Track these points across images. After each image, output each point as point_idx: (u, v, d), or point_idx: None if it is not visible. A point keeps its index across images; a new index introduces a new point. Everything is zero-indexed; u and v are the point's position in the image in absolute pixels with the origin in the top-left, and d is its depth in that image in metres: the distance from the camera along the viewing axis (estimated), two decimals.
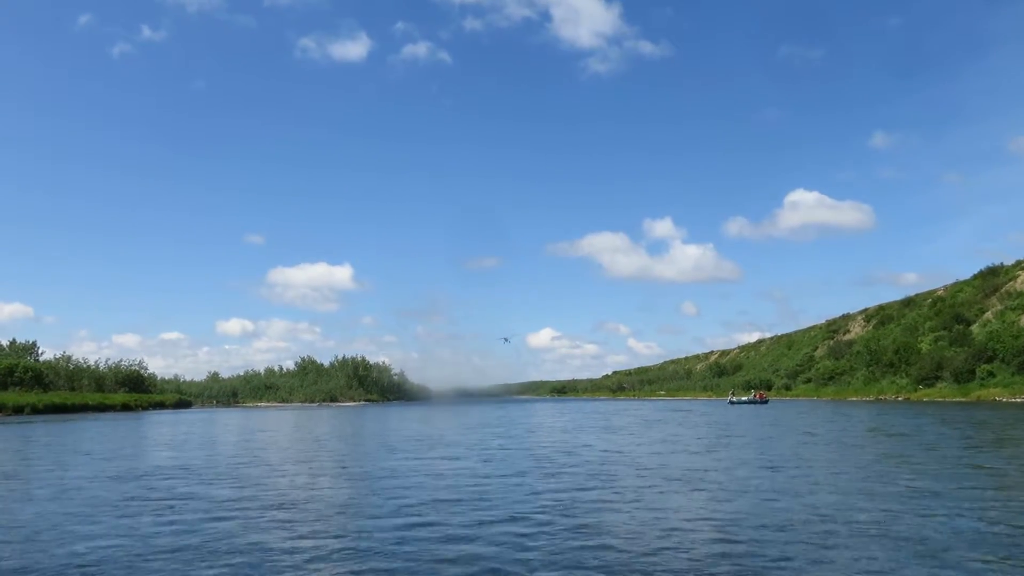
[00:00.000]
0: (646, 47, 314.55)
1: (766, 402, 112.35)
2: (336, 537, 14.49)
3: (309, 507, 18.13)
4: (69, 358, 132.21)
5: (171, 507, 18.15)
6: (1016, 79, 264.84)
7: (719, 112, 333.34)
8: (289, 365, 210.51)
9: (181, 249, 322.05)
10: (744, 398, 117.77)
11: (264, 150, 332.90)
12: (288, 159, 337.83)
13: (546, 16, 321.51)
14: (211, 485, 22.25)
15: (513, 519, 15.95)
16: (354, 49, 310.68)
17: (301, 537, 14.50)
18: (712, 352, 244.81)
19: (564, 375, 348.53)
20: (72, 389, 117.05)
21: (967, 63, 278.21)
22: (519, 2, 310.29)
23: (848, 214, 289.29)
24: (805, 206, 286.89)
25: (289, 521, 16.20)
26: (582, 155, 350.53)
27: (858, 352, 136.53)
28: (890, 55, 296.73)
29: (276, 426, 63.43)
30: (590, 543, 13.60)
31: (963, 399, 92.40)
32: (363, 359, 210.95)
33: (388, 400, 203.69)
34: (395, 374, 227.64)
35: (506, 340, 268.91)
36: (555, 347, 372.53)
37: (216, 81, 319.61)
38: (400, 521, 15.95)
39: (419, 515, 16.59)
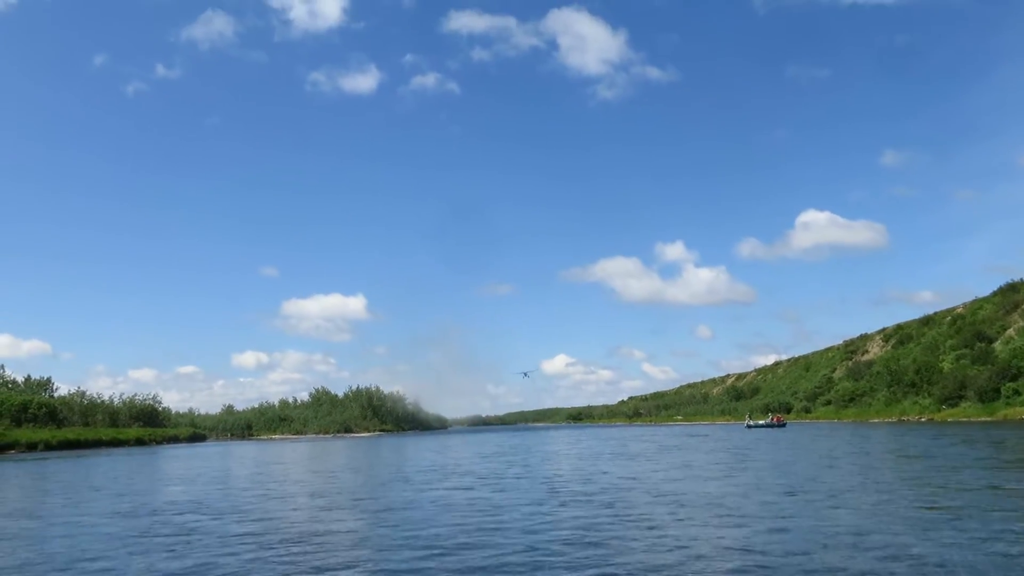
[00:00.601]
0: (653, 72, 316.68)
1: (784, 425, 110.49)
2: (347, 570, 14.01)
3: (320, 541, 17.58)
4: (83, 393, 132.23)
5: (185, 542, 17.70)
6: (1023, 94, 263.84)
7: (728, 134, 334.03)
8: (303, 396, 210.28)
9: (196, 283, 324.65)
10: (761, 422, 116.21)
11: (277, 182, 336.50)
12: (300, 191, 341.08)
13: (553, 45, 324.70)
14: (222, 520, 21.61)
15: (529, 549, 15.44)
16: (364, 81, 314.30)
17: (311, 571, 13.98)
18: (728, 375, 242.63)
19: (579, 401, 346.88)
20: (86, 424, 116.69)
21: (975, 79, 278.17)
22: (526, 31, 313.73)
23: (861, 233, 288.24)
24: (817, 226, 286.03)
25: (301, 554, 15.69)
26: (592, 181, 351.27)
27: (878, 372, 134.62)
28: (897, 73, 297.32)
29: (289, 459, 62.59)
30: (605, 572, 13.15)
31: (989, 418, 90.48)
32: (377, 389, 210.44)
33: (403, 430, 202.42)
34: (409, 403, 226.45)
35: (525, 375, 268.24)
36: (570, 373, 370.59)
37: (229, 116, 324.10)
38: (412, 554, 15.44)
39: (431, 548, 16.08)
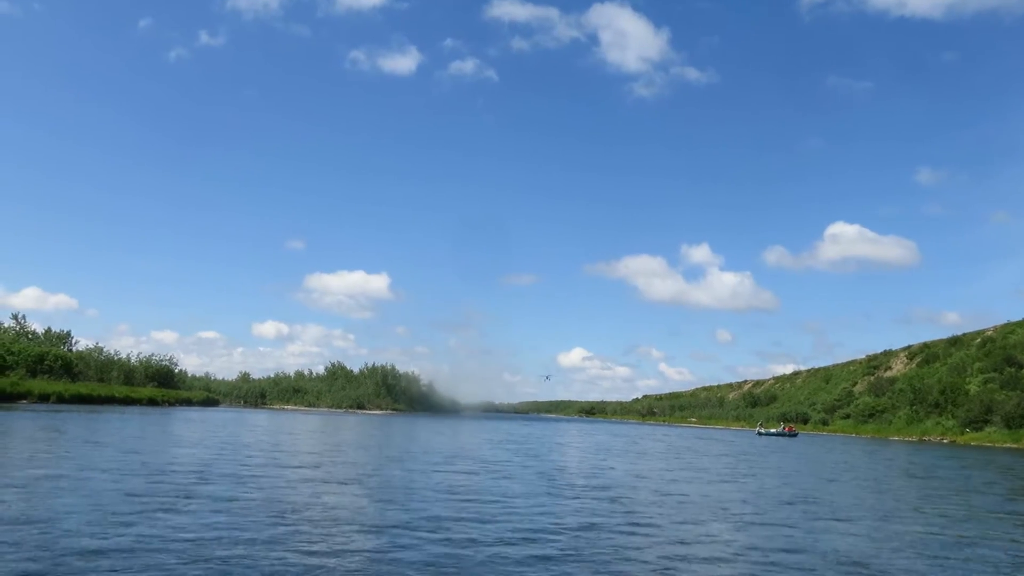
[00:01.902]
0: (692, 74, 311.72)
1: (795, 435, 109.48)
2: (325, 547, 13.61)
3: (308, 514, 17.11)
4: (101, 349, 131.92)
5: (174, 505, 17.21)
6: None
7: (762, 140, 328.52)
8: (319, 370, 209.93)
9: (223, 250, 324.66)
10: (773, 430, 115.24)
11: (310, 157, 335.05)
12: (333, 167, 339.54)
13: (594, 39, 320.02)
14: (218, 484, 20.99)
15: (522, 541, 15.10)
16: (403, 63, 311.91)
17: (289, 544, 13.60)
18: (746, 381, 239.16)
19: (593, 396, 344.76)
20: (101, 380, 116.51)
21: (1018, 101, 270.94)
22: (568, 24, 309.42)
23: (890, 249, 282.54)
24: (846, 239, 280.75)
25: (285, 526, 15.31)
26: (623, 177, 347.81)
27: (901, 390, 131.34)
28: (940, 90, 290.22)
29: (299, 430, 61.41)
30: (586, 568, 13.01)
31: (1015, 445, 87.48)
32: (393, 368, 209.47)
33: (415, 411, 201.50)
34: (424, 385, 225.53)
35: (547, 378, 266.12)
36: (586, 367, 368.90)
37: (267, 88, 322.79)
38: (398, 535, 15.12)
39: (421, 530, 15.76)
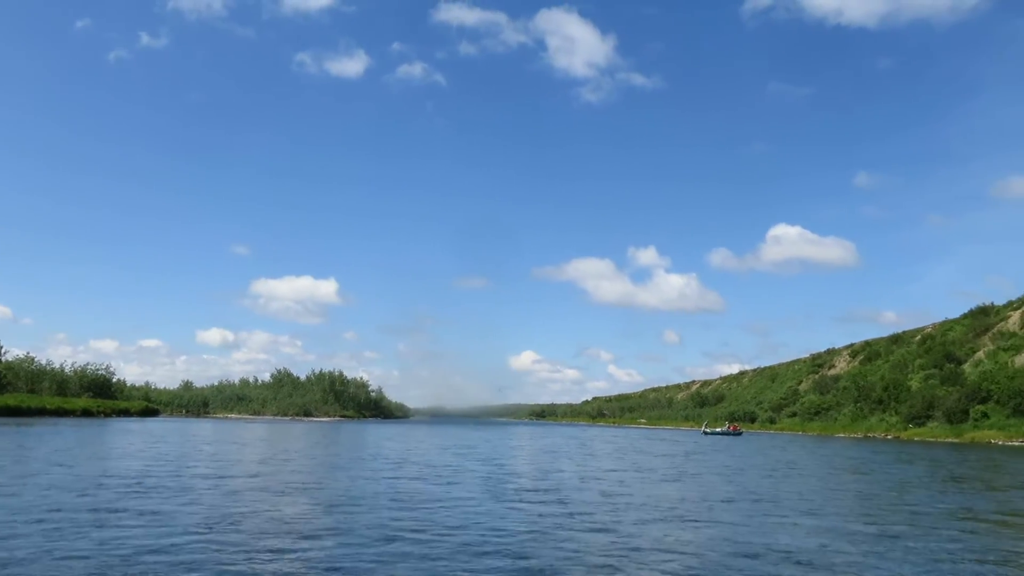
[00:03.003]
0: (638, 79, 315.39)
1: (740, 434, 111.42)
2: (261, 558, 12.59)
3: (245, 524, 16.09)
4: (32, 359, 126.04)
5: (99, 519, 15.97)
6: (999, 124, 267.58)
7: (707, 145, 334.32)
8: (265, 377, 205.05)
9: (165, 256, 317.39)
10: (718, 430, 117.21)
11: (255, 161, 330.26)
12: (279, 171, 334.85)
13: (542, 45, 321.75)
14: (150, 497, 19.56)
15: (467, 545, 14.50)
16: (351, 66, 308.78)
17: (224, 555, 12.51)
18: (694, 382, 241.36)
19: (544, 399, 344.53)
20: (32, 391, 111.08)
21: (953, 107, 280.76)
22: (515, 29, 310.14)
23: (831, 250, 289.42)
24: (788, 240, 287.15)
25: (218, 538, 14.24)
26: (571, 182, 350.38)
27: (845, 388, 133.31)
28: (878, 96, 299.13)
29: (241, 439, 58.64)
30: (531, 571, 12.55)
31: (956, 440, 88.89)
32: (340, 374, 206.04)
33: (364, 417, 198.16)
34: (373, 391, 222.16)
35: (500, 390, 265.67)
36: (536, 370, 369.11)
37: (212, 91, 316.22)
38: (339, 543, 14.40)
39: (363, 537, 15.03)
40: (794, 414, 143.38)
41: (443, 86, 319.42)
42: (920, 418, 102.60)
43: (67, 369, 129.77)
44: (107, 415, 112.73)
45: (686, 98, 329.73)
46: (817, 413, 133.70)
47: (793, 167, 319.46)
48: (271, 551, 13.45)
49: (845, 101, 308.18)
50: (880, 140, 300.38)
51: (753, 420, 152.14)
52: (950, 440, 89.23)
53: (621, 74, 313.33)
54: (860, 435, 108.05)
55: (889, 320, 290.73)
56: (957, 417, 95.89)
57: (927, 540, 16.40)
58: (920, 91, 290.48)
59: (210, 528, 15.47)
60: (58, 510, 17.24)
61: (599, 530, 16.79)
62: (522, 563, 13.06)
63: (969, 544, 16.08)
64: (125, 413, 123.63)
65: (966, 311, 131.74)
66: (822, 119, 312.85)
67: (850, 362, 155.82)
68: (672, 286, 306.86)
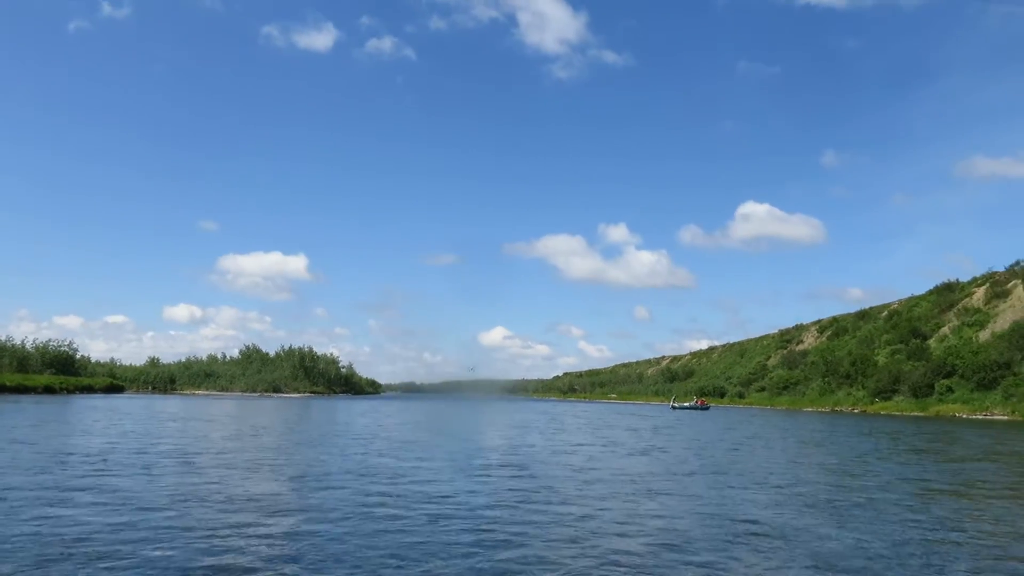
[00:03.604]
0: (609, 56, 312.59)
1: (707, 408, 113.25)
2: (224, 532, 12.13)
3: (209, 501, 15.73)
4: None
5: (58, 498, 15.33)
6: (962, 105, 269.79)
7: (677, 122, 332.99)
8: (234, 354, 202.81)
9: (130, 232, 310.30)
10: (686, 404, 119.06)
11: (222, 136, 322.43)
12: (246, 146, 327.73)
13: (512, 20, 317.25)
14: (114, 475, 18.93)
15: (432, 520, 14.36)
16: (319, 40, 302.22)
17: (188, 533, 11.89)
18: (664, 357, 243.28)
19: (515, 374, 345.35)
20: None
21: (917, 88, 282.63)
22: (486, 4, 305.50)
23: (798, 228, 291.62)
24: (757, 218, 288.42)
25: (177, 517, 13.76)
26: (542, 158, 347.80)
27: (813, 363, 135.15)
28: (844, 76, 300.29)
29: (209, 414, 57.91)
30: (499, 546, 12.44)
31: (921, 413, 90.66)
32: (310, 350, 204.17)
33: (335, 393, 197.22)
34: (343, 367, 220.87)
35: (472, 369, 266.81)
36: (507, 346, 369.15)
37: (177, 63, 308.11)
38: (303, 519, 14.28)
39: (328, 512, 14.98)
40: (763, 389, 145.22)
41: (413, 61, 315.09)
42: (886, 392, 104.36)
43: (28, 345, 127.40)
44: (70, 392, 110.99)
45: (657, 76, 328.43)
46: (785, 388, 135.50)
47: (762, 145, 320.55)
48: (235, 527, 13.34)
49: (813, 81, 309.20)
50: (847, 120, 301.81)
51: (723, 395, 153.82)
52: (915, 414, 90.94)
53: (592, 51, 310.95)
54: (827, 409, 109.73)
55: (855, 297, 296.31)
56: (923, 391, 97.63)
57: (880, 509, 16.76)
58: (886, 71, 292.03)
59: (174, 505, 15.31)
60: (14, 488, 16.79)
61: (565, 503, 16.91)
62: (486, 536, 13.10)
63: (920, 513, 16.45)
64: (89, 390, 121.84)
65: (931, 288, 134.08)
66: (791, 98, 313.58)
67: (818, 337, 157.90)
68: (642, 263, 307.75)
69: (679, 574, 10.85)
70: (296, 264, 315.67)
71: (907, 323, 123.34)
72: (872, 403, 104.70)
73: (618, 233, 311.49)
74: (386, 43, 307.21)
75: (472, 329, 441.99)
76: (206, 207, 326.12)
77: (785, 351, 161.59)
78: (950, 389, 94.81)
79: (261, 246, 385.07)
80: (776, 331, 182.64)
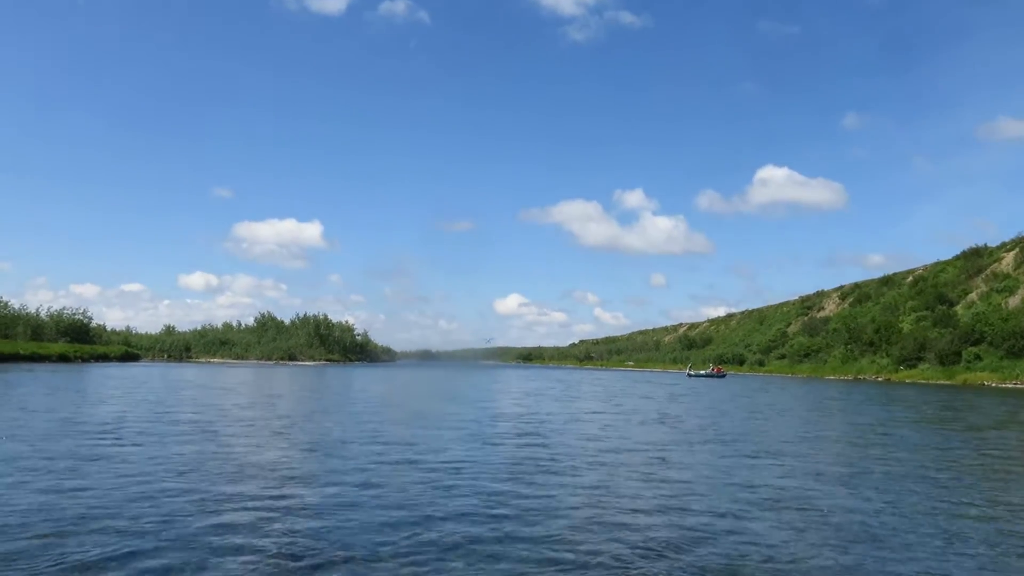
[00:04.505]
0: (626, 17, 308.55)
1: (723, 376, 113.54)
2: (234, 502, 12.01)
3: (220, 471, 15.62)
4: (6, 304, 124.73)
5: (72, 467, 15.31)
6: (987, 66, 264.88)
7: (695, 85, 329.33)
8: (249, 321, 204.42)
9: (146, 199, 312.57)
10: (702, 372, 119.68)
11: (236, 101, 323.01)
12: (261, 111, 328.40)
13: None
14: (123, 445, 18.58)
15: (444, 490, 14.13)
16: (332, 3, 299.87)
17: (201, 502, 11.55)
18: (681, 324, 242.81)
19: (530, 342, 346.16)
20: (5, 337, 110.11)
21: (941, 49, 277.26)
22: None
23: (818, 192, 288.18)
24: (775, 183, 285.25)
25: (194, 487, 13.49)
26: (557, 122, 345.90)
27: (835, 330, 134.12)
28: (866, 36, 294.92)
29: (224, 383, 58.37)
30: (514, 519, 12.16)
31: (948, 382, 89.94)
32: (325, 317, 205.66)
33: (350, 360, 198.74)
34: (358, 334, 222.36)
35: (489, 341, 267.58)
36: (522, 313, 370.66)
37: (190, 27, 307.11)
38: (312, 489, 14.02)
39: (341, 483, 14.75)
40: (783, 356, 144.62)
41: (427, 23, 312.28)
42: (912, 360, 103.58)
43: (43, 314, 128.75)
44: (84, 360, 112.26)
45: (674, 37, 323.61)
46: (807, 355, 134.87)
47: (782, 107, 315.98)
48: (247, 497, 13.31)
49: (834, 41, 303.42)
50: (869, 80, 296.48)
51: (742, 362, 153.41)
52: (942, 382, 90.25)
53: (609, 12, 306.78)
54: (850, 377, 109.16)
55: (876, 263, 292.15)
56: (949, 359, 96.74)
57: (900, 480, 16.54)
58: (909, 31, 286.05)
59: (185, 476, 15.28)
60: (24, 457, 16.84)
61: (577, 473, 16.81)
62: (496, 504, 13.01)
63: (938, 484, 16.18)
64: (104, 358, 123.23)
65: (958, 253, 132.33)
66: (811, 58, 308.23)
67: (839, 304, 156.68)
68: (659, 229, 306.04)
69: (692, 546, 10.67)
70: (311, 231, 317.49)
71: (933, 289, 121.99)
72: (897, 371, 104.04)
73: (634, 198, 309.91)
74: (399, 5, 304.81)
75: (487, 296, 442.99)
76: (220, 174, 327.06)
77: (806, 318, 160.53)
78: (978, 357, 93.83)
79: (276, 213, 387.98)
80: (796, 298, 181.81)
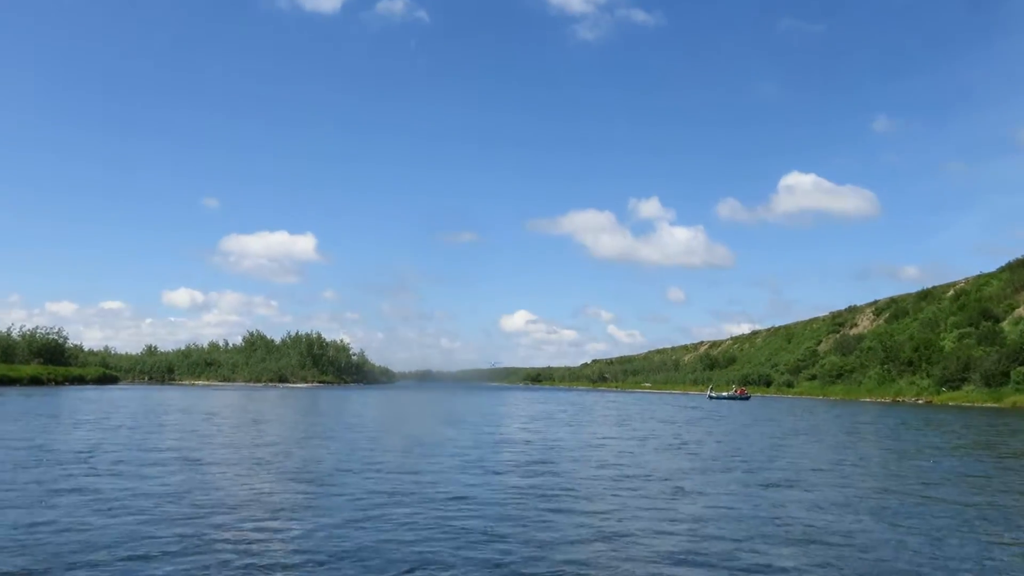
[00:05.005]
0: (639, 15, 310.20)
1: (747, 398, 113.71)
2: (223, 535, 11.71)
3: (206, 501, 15.50)
4: None
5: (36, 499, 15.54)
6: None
7: (713, 86, 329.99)
8: (236, 340, 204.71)
9: (127, 210, 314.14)
10: (724, 393, 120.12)
11: (225, 106, 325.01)
12: (250, 117, 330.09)
13: None
14: (97, 476, 18.50)
15: (448, 522, 13.68)
16: (326, 2, 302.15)
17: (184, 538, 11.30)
18: (702, 343, 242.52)
19: (538, 362, 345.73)
20: None
21: (975, 48, 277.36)
22: None
23: (848, 200, 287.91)
24: (802, 190, 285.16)
25: (177, 520, 13.00)
26: (566, 126, 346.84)
27: (870, 348, 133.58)
28: (895, 35, 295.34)
29: (208, 407, 58.42)
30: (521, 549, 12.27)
31: (995, 404, 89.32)
32: (319, 336, 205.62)
33: (345, 382, 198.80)
34: (354, 354, 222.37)
35: (493, 364, 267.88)
36: (530, 331, 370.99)
37: (177, 31, 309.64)
38: (305, 521, 14.13)
39: (334, 512, 14.89)
40: (813, 377, 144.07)
41: (426, 23, 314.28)
42: (955, 381, 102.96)
43: (15, 334, 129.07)
44: (59, 383, 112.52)
45: (691, 36, 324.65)
46: (839, 376, 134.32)
47: (807, 110, 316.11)
48: (229, 532, 13.31)
49: (862, 39, 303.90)
50: (900, 82, 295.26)
51: (768, 384, 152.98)
52: (988, 405, 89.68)
53: (620, 10, 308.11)
54: (888, 399, 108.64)
55: (911, 275, 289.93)
56: (996, 380, 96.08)
57: (934, 513, 16.35)
58: (942, 29, 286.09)
59: (165, 507, 15.31)
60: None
61: (590, 503, 16.78)
62: (497, 539, 12.95)
63: (981, 518, 15.99)
64: (80, 381, 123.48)
65: (1002, 264, 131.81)
66: (838, 59, 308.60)
67: (874, 320, 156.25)
68: (677, 240, 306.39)
69: None
70: (304, 244, 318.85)
71: (976, 304, 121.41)
72: (938, 393, 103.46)
73: (650, 208, 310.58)
74: (397, 4, 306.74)
75: (492, 313, 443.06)
76: (207, 183, 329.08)
77: (838, 335, 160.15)
78: None
79: (266, 225, 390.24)
80: (827, 313, 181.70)
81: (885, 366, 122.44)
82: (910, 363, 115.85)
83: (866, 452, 31.12)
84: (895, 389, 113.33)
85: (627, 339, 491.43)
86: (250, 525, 13.78)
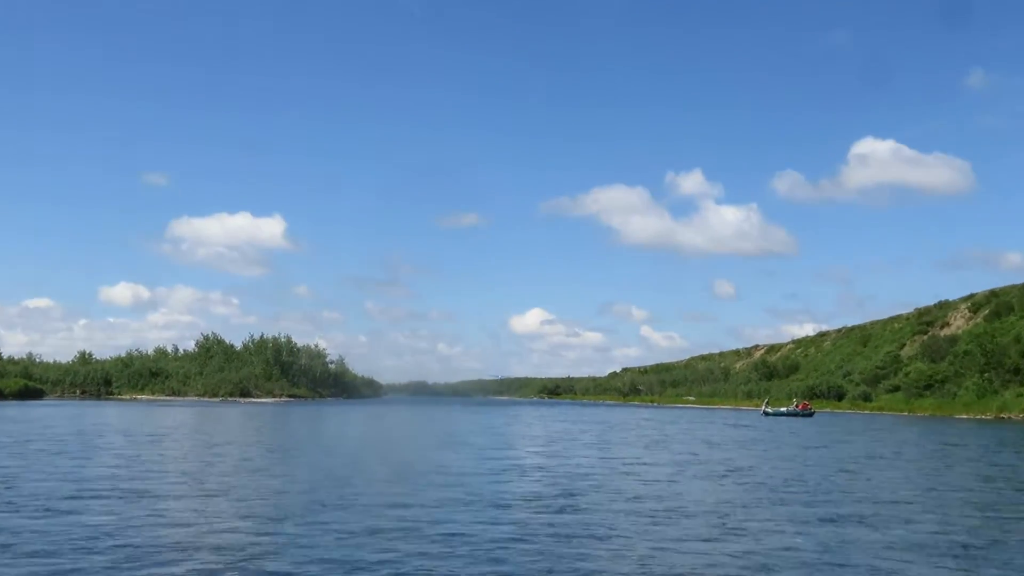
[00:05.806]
0: None
1: (811, 414, 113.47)
2: None
3: (134, 546, 15.40)
4: None
5: None
6: None
7: (770, 35, 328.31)
8: (189, 346, 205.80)
9: (55, 189, 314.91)
10: (783, 408, 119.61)
11: (172, 69, 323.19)
12: (204, 79, 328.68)
13: None
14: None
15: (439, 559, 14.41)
16: None
17: None
18: (756, 347, 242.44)
19: (557, 371, 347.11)
20: None
21: None
22: None
23: (936, 172, 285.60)
24: (878, 160, 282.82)
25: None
26: (587, 86, 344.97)
27: (966, 352, 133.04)
28: None
29: (150, 430, 58.75)
30: None
31: None
32: (289, 340, 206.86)
33: (321, 396, 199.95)
34: (331, 362, 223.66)
35: (499, 376, 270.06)
36: (546, 334, 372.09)
37: None
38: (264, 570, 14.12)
39: (291, 561, 14.77)
40: (896, 388, 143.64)
41: None
42: None
43: None
44: None
45: None
46: (928, 387, 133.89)
47: (884, 63, 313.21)
48: None
49: None
50: (1000, 29, 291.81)
51: (840, 397, 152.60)
52: None
53: None
54: (989, 415, 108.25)
55: (1013, 263, 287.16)
56: None
57: None
58: None
59: (97, 554, 15.43)
60: None
61: (620, 542, 16.93)
62: None
63: None
64: None
65: None
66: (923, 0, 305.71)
67: (971, 318, 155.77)
68: (725, 221, 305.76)
69: None
70: (271, 228, 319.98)
71: None
72: None
73: (692, 182, 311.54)
74: None
75: (501, 312, 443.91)
76: (152, 155, 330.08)
77: (925, 337, 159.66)
78: None
79: (224, 206, 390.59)
80: (911, 311, 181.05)
81: (986, 375, 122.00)
82: (1017, 371, 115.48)
83: (960, 482, 30.99)
84: (999, 403, 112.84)
85: (664, 343, 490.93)
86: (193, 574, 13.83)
